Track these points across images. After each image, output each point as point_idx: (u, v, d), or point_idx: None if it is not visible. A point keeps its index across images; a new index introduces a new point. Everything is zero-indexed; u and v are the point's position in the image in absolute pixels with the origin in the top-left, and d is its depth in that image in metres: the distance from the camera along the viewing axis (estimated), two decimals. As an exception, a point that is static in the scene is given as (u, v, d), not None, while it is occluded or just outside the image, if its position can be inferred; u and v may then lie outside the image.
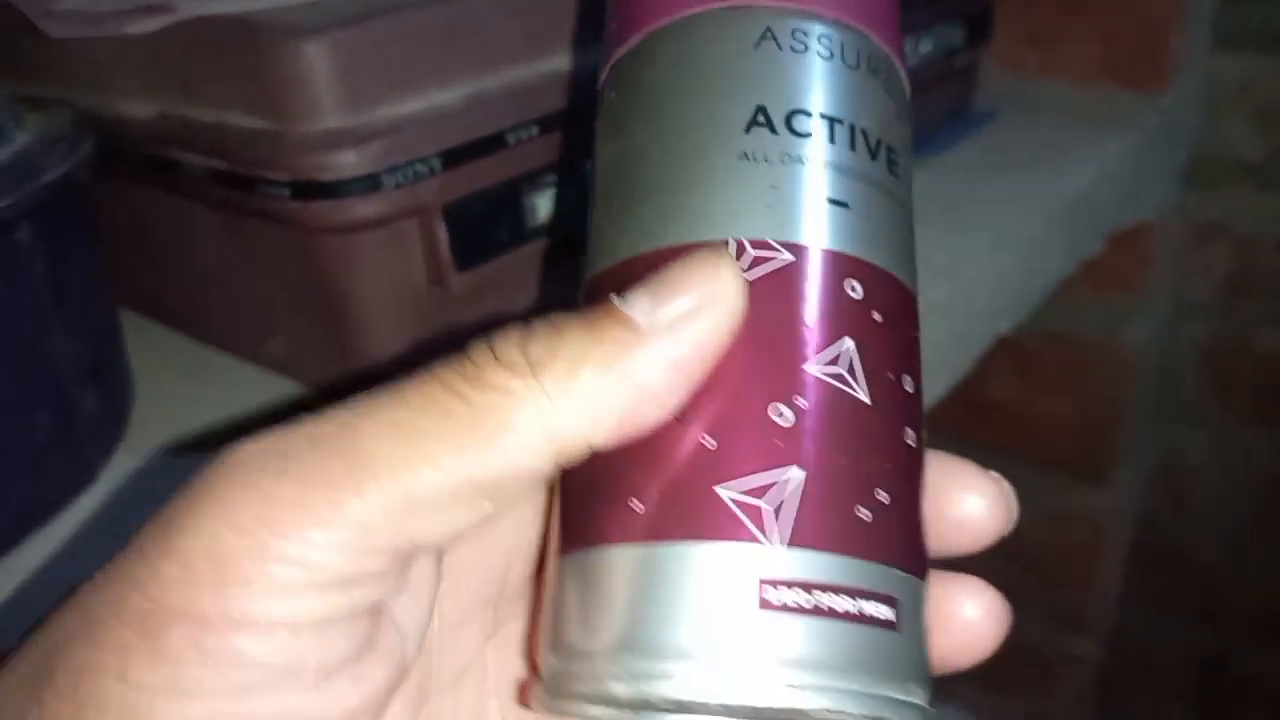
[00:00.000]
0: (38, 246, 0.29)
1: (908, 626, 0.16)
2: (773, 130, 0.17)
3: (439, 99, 0.30)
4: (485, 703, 0.19)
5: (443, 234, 0.30)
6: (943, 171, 0.51)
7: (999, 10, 0.57)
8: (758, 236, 0.17)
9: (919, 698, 0.16)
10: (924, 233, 0.43)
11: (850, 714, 0.15)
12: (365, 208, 0.29)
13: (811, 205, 0.17)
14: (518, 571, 0.20)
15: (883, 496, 0.16)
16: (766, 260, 0.17)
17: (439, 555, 0.17)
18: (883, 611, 0.16)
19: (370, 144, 0.28)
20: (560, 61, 0.33)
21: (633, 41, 0.19)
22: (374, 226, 0.29)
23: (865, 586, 0.15)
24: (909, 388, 0.17)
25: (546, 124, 0.32)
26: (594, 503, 0.16)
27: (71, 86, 0.35)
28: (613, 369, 0.15)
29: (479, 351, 0.15)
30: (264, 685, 0.14)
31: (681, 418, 0.16)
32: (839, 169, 0.17)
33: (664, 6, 0.19)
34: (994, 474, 0.19)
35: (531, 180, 0.32)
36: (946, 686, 0.18)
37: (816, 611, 0.15)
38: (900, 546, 0.16)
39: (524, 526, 0.19)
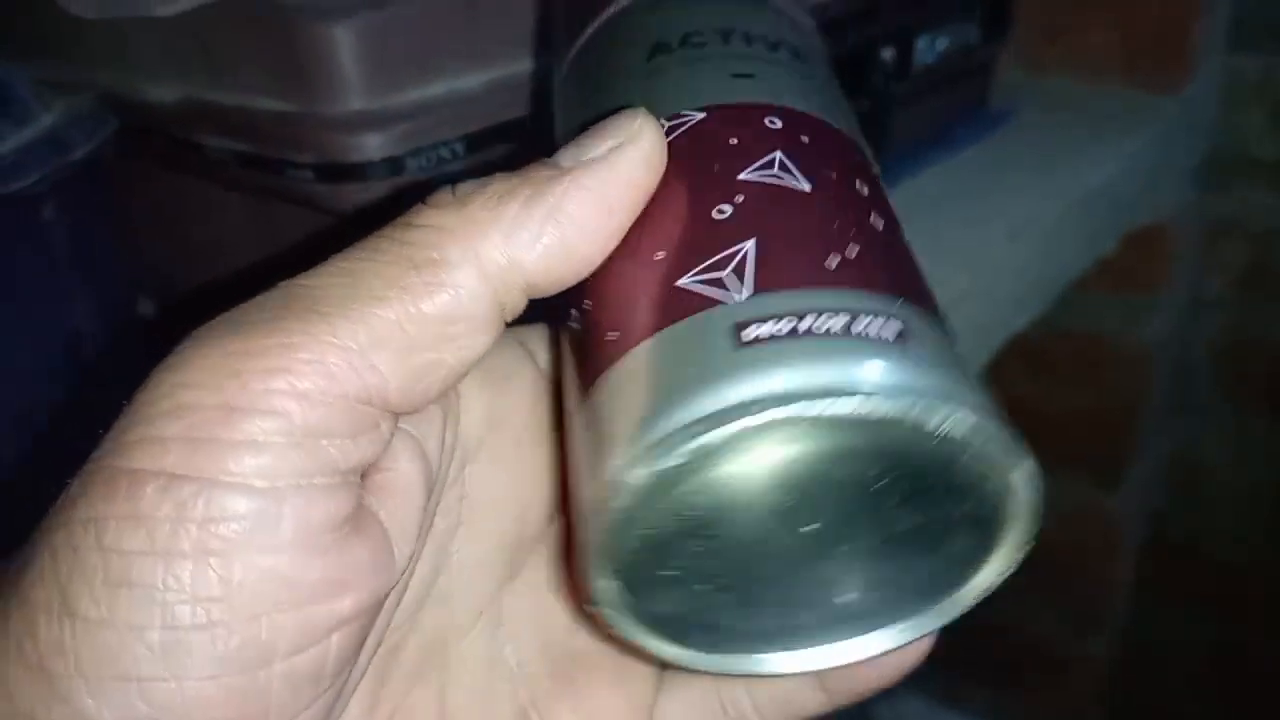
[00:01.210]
0: (61, 222, 0.29)
1: (916, 345, 0.15)
2: (669, 51, 0.20)
3: (463, 83, 0.30)
4: (501, 649, 0.19)
5: (465, 217, 0.31)
6: (961, 167, 0.51)
7: (1017, 7, 0.57)
8: (670, 113, 0.18)
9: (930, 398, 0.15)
10: (943, 226, 0.44)
11: (860, 413, 0.14)
12: (388, 191, 0.29)
13: (716, 79, 0.19)
14: (534, 516, 0.20)
15: (852, 252, 0.16)
16: (681, 123, 0.18)
17: (425, 463, 0.17)
18: (880, 328, 0.15)
19: (395, 127, 0.28)
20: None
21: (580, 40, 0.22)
22: (398, 210, 0.29)
23: (853, 307, 0.15)
24: (863, 190, 0.18)
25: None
26: (582, 360, 0.17)
27: (97, 69, 0.35)
28: (539, 201, 0.16)
29: (415, 208, 0.16)
30: (243, 543, 0.14)
31: (632, 252, 0.17)
32: (738, 56, 0.19)
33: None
34: None
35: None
36: (959, 683, 0.18)
37: (800, 334, 0.15)
38: (885, 278, 0.16)
39: (538, 472, 0.19)
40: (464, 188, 0.16)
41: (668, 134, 0.18)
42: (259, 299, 0.15)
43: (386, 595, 0.16)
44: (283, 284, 0.15)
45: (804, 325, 0.15)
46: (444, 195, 0.16)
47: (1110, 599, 0.76)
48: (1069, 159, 0.52)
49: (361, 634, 0.15)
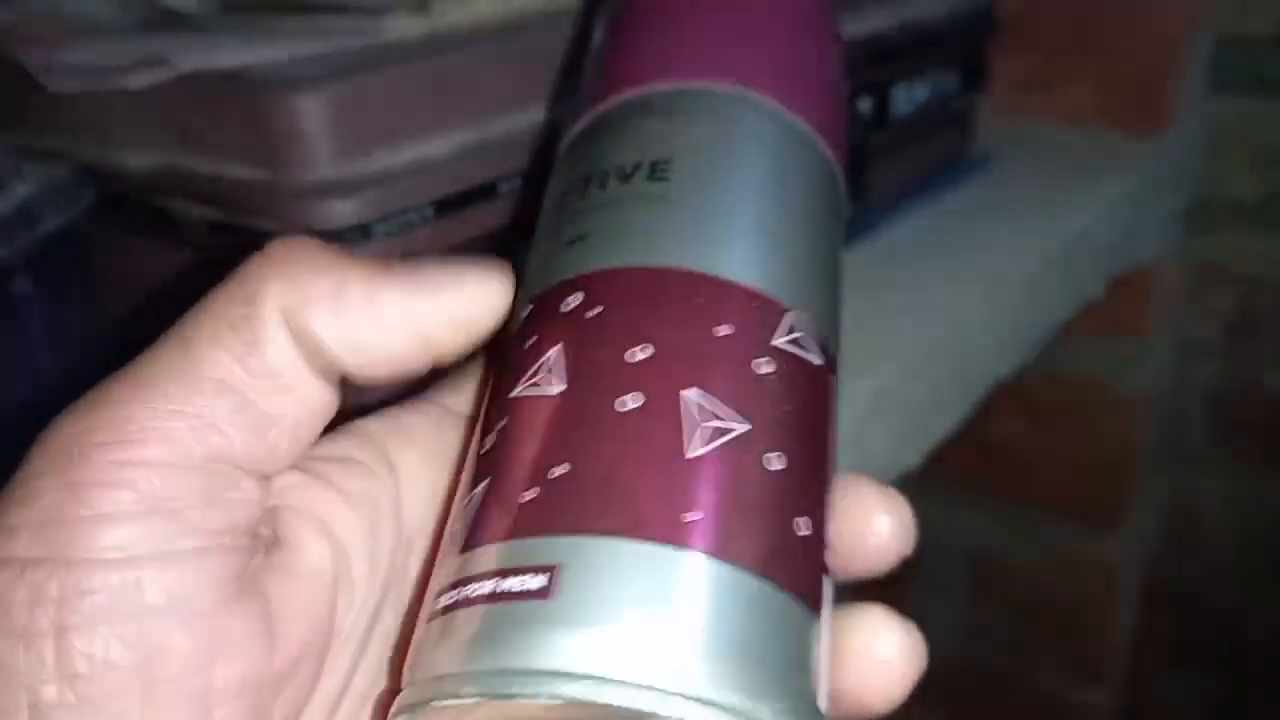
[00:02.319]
0: (35, 296, 0.29)
1: (568, 591, 0.14)
2: (550, 212, 0.20)
3: (431, 150, 0.30)
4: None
5: (435, 281, 0.31)
6: (941, 216, 0.52)
7: (997, 55, 0.57)
8: (529, 295, 0.19)
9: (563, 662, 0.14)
10: (921, 273, 0.44)
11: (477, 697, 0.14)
12: (357, 256, 0.29)
13: (556, 255, 0.19)
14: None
15: (533, 490, 0.16)
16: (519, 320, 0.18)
17: (333, 544, 0.17)
18: (528, 583, 0.14)
19: (363, 194, 0.29)
20: (550, 112, 0.33)
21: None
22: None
23: (504, 566, 0.15)
24: (636, 356, 0.17)
25: (537, 173, 0.32)
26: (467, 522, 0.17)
27: (71, 137, 0.36)
28: (360, 280, 0.16)
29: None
30: (103, 616, 0.14)
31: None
32: (585, 212, 0.19)
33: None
34: (892, 490, 0.19)
35: (523, 230, 0.32)
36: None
37: (462, 604, 0.15)
38: (526, 519, 0.15)
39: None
40: (299, 243, 0.17)
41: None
42: (103, 381, 0.15)
43: (272, 672, 0.15)
44: (128, 364, 0.16)
45: (466, 593, 0.15)
46: (275, 245, 0.17)
47: (1110, 648, 0.75)
48: (1049, 207, 0.52)
49: (250, 712, 0.15)
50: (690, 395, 0.16)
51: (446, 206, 0.30)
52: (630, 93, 0.21)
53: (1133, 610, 0.75)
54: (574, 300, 0.17)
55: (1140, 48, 0.58)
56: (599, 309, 0.17)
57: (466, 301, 0.17)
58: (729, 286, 0.17)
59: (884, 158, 0.50)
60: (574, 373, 0.16)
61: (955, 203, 0.53)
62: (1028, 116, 0.63)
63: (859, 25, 0.45)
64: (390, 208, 0.29)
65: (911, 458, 0.40)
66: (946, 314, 0.41)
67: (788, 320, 0.17)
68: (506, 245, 0.32)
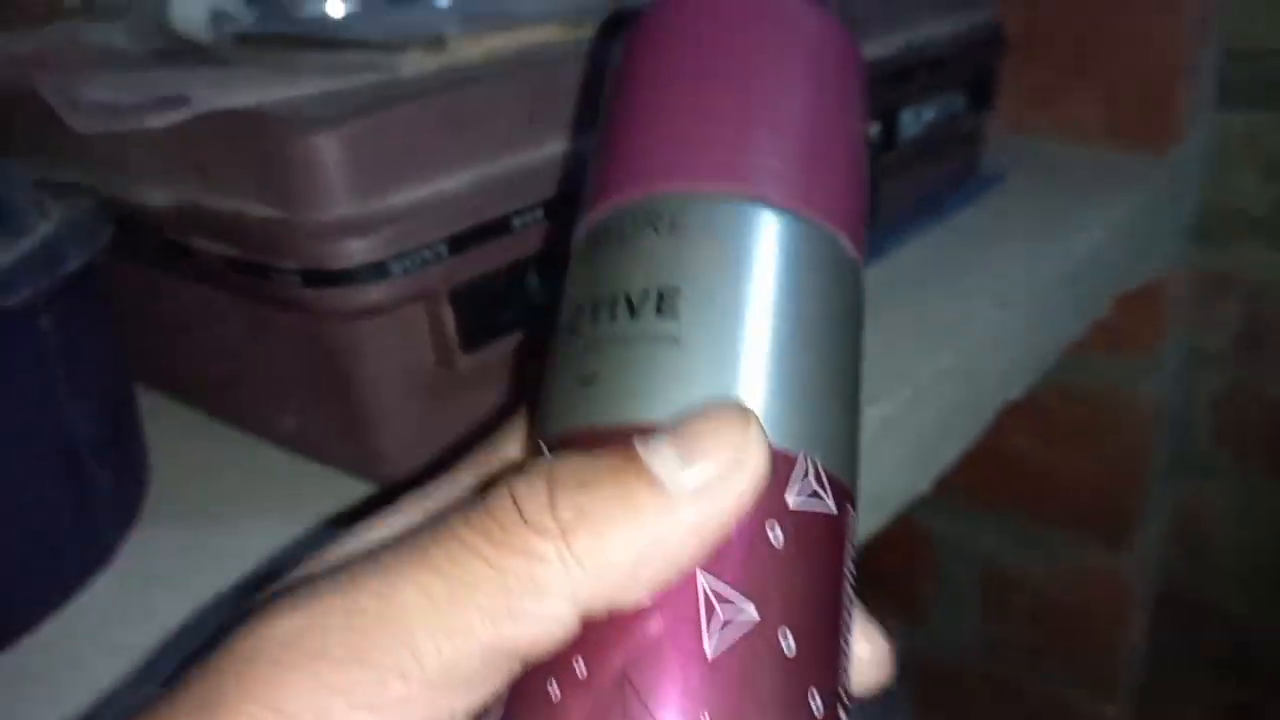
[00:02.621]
0: (57, 332, 0.30)
1: None
2: (569, 332, 0.19)
3: (446, 186, 0.31)
4: None
5: (449, 317, 0.31)
6: (949, 234, 0.52)
7: (1004, 72, 0.58)
8: (538, 439, 0.18)
9: None
10: (929, 295, 0.44)
11: None
12: (373, 294, 0.29)
13: (566, 393, 0.18)
14: None
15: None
16: (539, 453, 0.18)
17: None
18: None
19: (378, 232, 0.29)
20: (564, 145, 0.34)
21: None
22: (382, 311, 0.30)
23: None
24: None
25: (551, 207, 0.33)
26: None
27: (93, 172, 0.37)
28: (642, 536, 0.15)
29: (502, 507, 0.15)
30: None
31: None
32: (594, 345, 0.18)
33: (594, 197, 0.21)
34: (873, 625, 0.19)
35: (537, 263, 0.33)
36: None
37: None
38: None
39: None
40: (563, 510, 0.15)
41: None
42: (343, 600, 0.15)
43: None
44: (364, 583, 0.15)
45: None
46: (542, 515, 0.15)
47: (1123, 660, 0.75)
48: (1057, 226, 0.52)
49: None
50: (703, 583, 0.16)
51: (460, 242, 0.31)
52: (635, 196, 0.20)
53: (1145, 622, 0.75)
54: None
55: (1146, 63, 0.59)
56: None
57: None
58: None
59: (892, 179, 0.50)
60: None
61: (964, 222, 0.54)
62: (1036, 132, 0.63)
63: (867, 50, 0.46)
64: (405, 245, 0.30)
65: (922, 483, 0.40)
66: (955, 338, 0.42)
67: (799, 469, 0.17)
68: (520, 280, 0.33)
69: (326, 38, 0.37)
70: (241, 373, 0.37)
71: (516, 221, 0.32)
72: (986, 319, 0.43)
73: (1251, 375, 0.68)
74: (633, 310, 0.18)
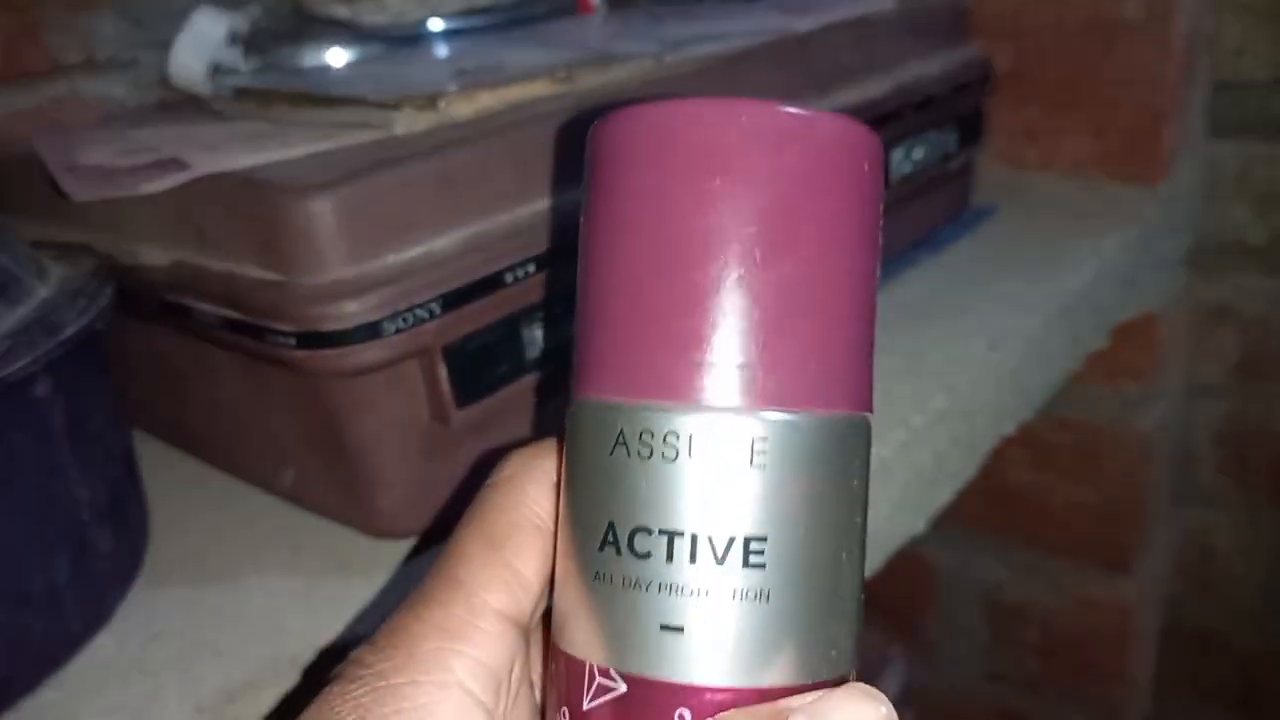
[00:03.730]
0: (56, 397, 0.30)
1: None
2: (618, 551, 0.18)
3: (439, 245, 0.31)
4: None
5: (443, 373, 0.31)
6: (941, 271, 0.52)
7: (995, 109, 0.58)
8: (603, 664, 0.18)
9: None
10: (922, 336, 0.45)
11: None
12: (368, 354, 0.30)
13: (646, 634, 0.17)
14: None
15: None
16: (608, 690, 0.18)
17: None
18: None
19: (372, 293, 0.29)
20: (553, 200, 0.34)
21: (570, 405, 0.20)
22: (377, 370, 0.30)
23: None
24: None
25: (543, 261, 0.33)
26: None
27: (91, 233, 0.37)
28: None
29: None
30: None
31: None
32: (675, 589, 0.17)
33: (580, 382, 0.19)
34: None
35: (530, 315, 0.33)
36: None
37: None
38: None
39: None
40: None
41: (593, 696, 0.18)
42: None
43: None
44: None
45: None
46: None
47: (1127, 688, 0.74)
48: (1050, 261, 0.52)
49: None
50: None
51: (453, 300, 0.31)
52: (678, 400, 0.18)
53: (1149, 650, 0.75)
54: (685, 717, 0.17)
55: (1136, 96, 0.59)
56: None
57: None
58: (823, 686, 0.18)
59: (885, 217, 0.50)
60: None
61: (956, 259, 0.54)
62: (1028, 168, 0.63)
63: (855, 93, 0.46)
64: (399, 305, 0.30)
65: (918, 524, 0.40)
66: (949, 379, 0.42)
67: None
68: (513, 334, 0.33)
69: (321, 95, 0.38)
70: (240, 427, 0.37)
71: (508, 277, 0.32)
72: (981, 359, 0.44)
73: (1252, 405, 0.68)
74: (717, 557, 0.17)
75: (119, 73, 0.53)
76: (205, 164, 0.32)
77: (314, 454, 0.35)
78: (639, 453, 0.18)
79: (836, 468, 0.18)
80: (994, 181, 0.62)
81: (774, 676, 0.17)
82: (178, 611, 0.33)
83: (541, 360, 0.34)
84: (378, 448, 0.32)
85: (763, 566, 0.17)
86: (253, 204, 0.31)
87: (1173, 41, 0.58)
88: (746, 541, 0.17)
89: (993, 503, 0.72)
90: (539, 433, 0.36)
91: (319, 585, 0.33)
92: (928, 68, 0.51)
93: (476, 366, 0.32)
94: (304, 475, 0.36)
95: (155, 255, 0.34)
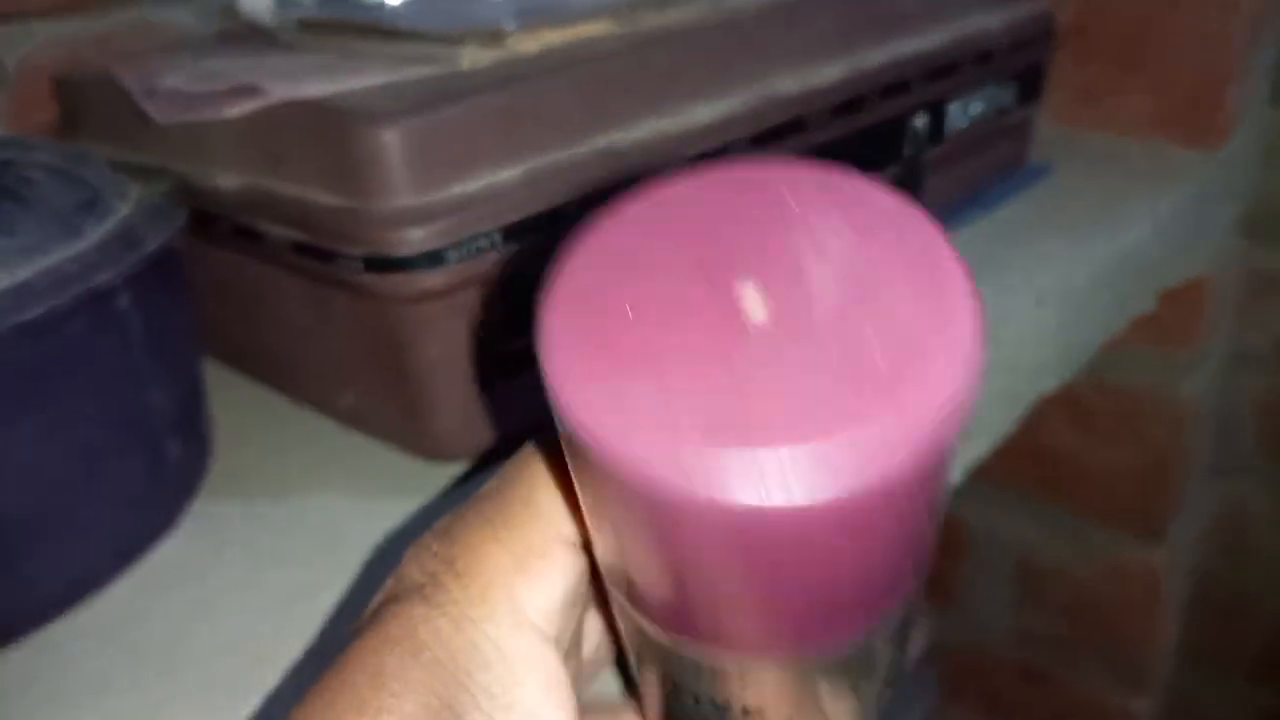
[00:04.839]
0: (135, 310, 0.32)
1: None
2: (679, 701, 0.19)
3: (501, 177, 0.32)
4: None
5: (501, 303, 0.33)
6: (993, 227, 0.52)
7: (1056, 66, 0.58)
8: None
9: None
10: (970, 291, 0.45)
11: None
12: (430, 280, 0.31)
13: None
14: None
15: None
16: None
17: None
18: None
19: (437, 221, 0.30)
20: (613, 137, 0.35)
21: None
22: (439, 296, 0.32)
23: None
24: None
25: (601, 197, 0.34)
26: None
27: (167, 155, 0.38)
28: None
29: None
30: None
31: None
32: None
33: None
34: None
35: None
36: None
37: None
38: None
39: None
40: None
41: None
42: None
43: None
44: None
45: None
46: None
47: (1154, 656, 0.75)
48: (1102, 220, 0.52)
49: None
50: None
51: (514, 232, 0.32)
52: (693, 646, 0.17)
53: (1177, 618, 0.75)
54: None
55: (1199, 59, 0.58)
56: None
57: None
58: None
59: (938, 172, 0.51)
60: None
61: (1010, 215, 0.54)
62: (1086, 127, 0.63)
63: (915, 44, 0.46)
64: (462, 234, 0.31)
65: (954, 477, 0.41)
66: (995, 332, 0.42)
67: None
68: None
69: (387, 28, 0.39)
70: (304, 351, 0.39)
71: (570, 212, 0.33)
72: (1027, 314, 0.44)
73: (1296, 375, 0.67)
74: (719, 710, 0.18)
75: (186, 2, 0.54)
76: (281, 90, 0.33)
77: (373, 377, 0.36)
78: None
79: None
80: (1051, 139, 0.61)
81: None
82: (240, 521, 0.35)
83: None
84: (436, 372, 0.34)
85: None
86: (325, 131, 0.32)
87: (1241, 5, 0.57)
88: (744, 710, 0.17)
89: (1030, 463, 0.73)
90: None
91: (374, 503, 0.35)
92: (990, 20, 0.50)
93: (533, 298, 0.33)
94: (363, 398, 0.38)
95: (229, 179, 0.36)
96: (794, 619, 0.15)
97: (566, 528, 0.19)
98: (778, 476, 0.12)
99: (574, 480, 0.16)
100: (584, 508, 0.17)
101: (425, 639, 0.17)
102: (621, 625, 0.19)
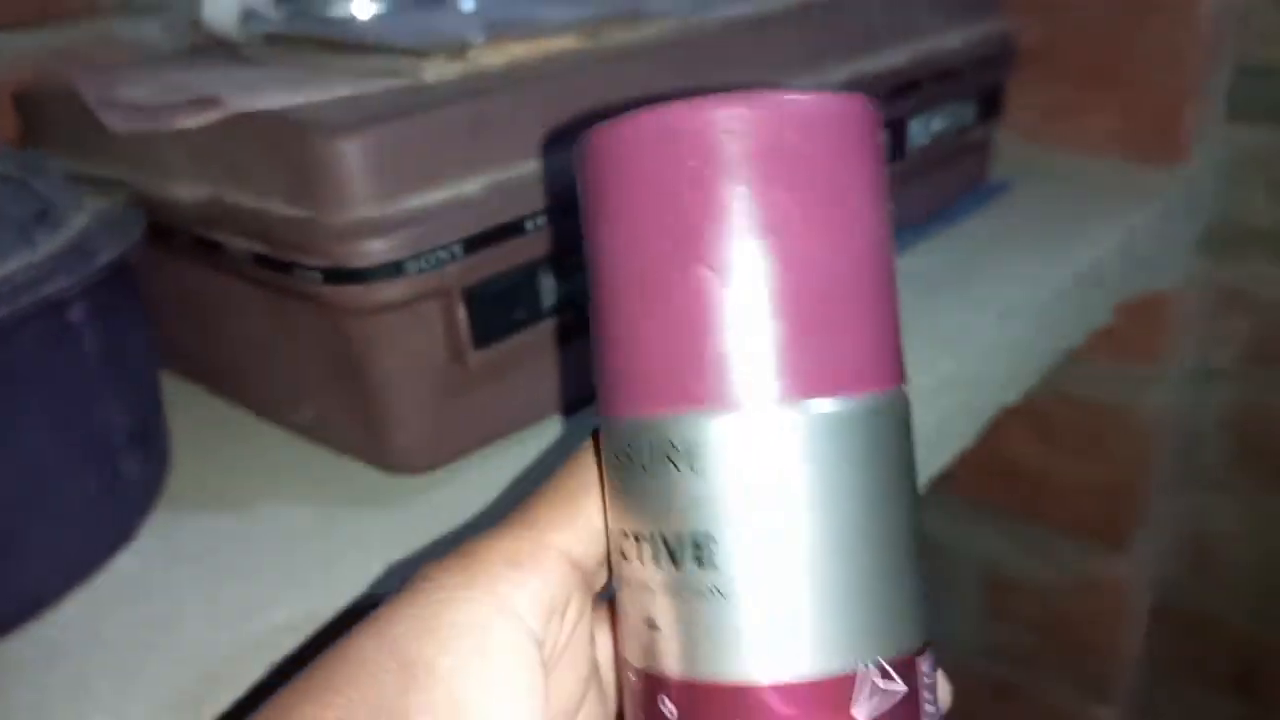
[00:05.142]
0: (90, 322, 0.31)
1: None
2: (623, 556, 0.19)
3: (462, 189, 0.32)
4: None
5: (462, 315, 0.32)
6: (956, 242, 0.53)
7: (1019, 84, 0.58)
8: (629, 659, 0.20)
9: None
10: (934, 303, 0.45)
11: None
12: (390, 291, 0.31)
13: (637, 630, 0.19)
14: None
15: None
16: (629, 681, 0.20)
17: None
18: None
19: (397, 233, 0.30)
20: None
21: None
22: (399, 308, 0.31)
23: None
24: None
25: (563, 211, 0.34)
26: None
27: (126, 167, 0.38)
28: None
29: None
30: None
31: None
32: (648, 588, 0.19)
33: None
34: None
35: (548, 263, 0.34)
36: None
37: None
38: None
39: None
40: None
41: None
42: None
43: None
44: None
45: None
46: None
47: (1120, 668, 0.75)
48: (1064, 236, 0.53)
49: None
50: None
51: (475, 244, 0.32)
52: (641, 414, 0.18)
53: (1142, 630, 0.76)
54: (668, 710, 0.18)
55: (1160, 79, 0.59)
56: None
57: None
58: (801, 688, 0.17)
59: (900, 188, 0.51)
60: None
61: (972, 231, 0.54)
62: (1050, 145, 0.64)
63: (878, 61, 0.47)
64: (422, 246, 0.31)
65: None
66: (957, 346, 0.43)
67: (860, 686, 0.17)
68: (531, 279, 0.34)
69: (353, 41, 0.39)
70: (264, 364, 0.39)
71: (529, 224, 0.33)
72: (989, 328, 0.44)
73: (1260, 391, 0.68)
74: (674, 558, 0.18)
75: (152, 16, 0.54)
76: (240, 102, 0.33)
77: (334, 390, 0.36)
78: (620, 460, 0.19)
79: (776, 466, 0.18)
80: (1016, 156, 0.62)
81: (735, 672, 0.18)
82: (197, 535, 0.35)
83: (557, 309, 0.35)
84: (396, 385, 0.34)
85: (715, 567, 0.18)
86: (285, 142, 0.32)
87: (1201, 22, 0.58)
88: (695, 542, 0.18)
89: (995, 477, 0.73)
90: (556, 380, 0.37)
91: (334, 517, 0.35)
92: (951, 39, 0.51)
93: (495, 309, 0.33)
94: (323, 411, 0.37)
95: (188, 191, 0.35)
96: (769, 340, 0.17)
97: (562, 537, 0.20)
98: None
99: (587, 237, 0.20)
100: (593, 266, 0.19)
101: (407, 619, 0.18)
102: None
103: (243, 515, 0.36)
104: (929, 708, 0.18)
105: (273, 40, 0.43)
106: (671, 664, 0.18)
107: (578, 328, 0.36)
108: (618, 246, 0.19)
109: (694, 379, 0.18)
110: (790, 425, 0.17)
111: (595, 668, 0.22)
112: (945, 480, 0.44)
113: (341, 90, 0.34)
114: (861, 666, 0.17)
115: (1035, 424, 0.69)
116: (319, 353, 0.35)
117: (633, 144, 0.18)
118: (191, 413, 0.42)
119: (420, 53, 0.36)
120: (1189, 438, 0.71)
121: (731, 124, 0.17)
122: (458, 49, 0.36)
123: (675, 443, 0.18)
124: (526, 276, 0.34)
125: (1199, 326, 0.68)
